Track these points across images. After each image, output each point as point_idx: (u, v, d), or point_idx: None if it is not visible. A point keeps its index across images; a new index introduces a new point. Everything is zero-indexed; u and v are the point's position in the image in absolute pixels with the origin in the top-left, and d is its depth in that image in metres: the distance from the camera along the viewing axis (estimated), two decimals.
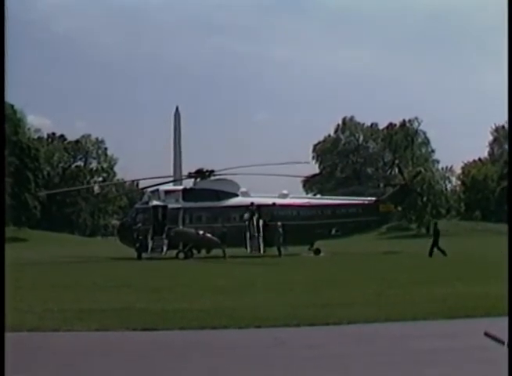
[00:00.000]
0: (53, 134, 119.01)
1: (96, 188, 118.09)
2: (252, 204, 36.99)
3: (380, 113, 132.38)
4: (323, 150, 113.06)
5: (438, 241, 31.44)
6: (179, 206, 36.81)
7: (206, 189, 37.54)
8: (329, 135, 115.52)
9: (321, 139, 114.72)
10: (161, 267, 27.90)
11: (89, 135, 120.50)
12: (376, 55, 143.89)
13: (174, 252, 35.24)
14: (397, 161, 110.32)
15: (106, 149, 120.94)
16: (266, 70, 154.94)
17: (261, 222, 36.38)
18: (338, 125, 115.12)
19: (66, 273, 23.60)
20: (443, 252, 30.46)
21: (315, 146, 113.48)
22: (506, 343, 4.22)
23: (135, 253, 35.23)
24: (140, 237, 35.49)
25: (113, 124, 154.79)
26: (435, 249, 30.86)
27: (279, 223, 35.40)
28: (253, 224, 36.43)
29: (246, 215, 36.66)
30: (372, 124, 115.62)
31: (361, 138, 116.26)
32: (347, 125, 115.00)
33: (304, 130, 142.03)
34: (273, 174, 38.75)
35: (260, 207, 36.96)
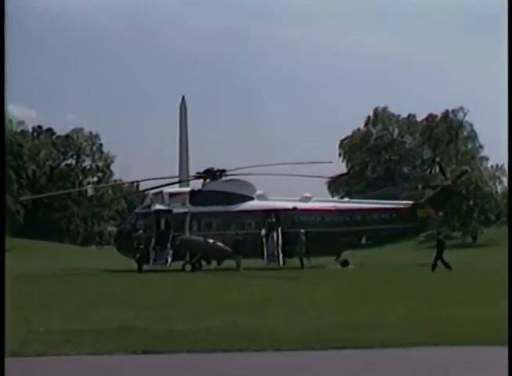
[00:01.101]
0: (39, 127, 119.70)
1: (90, 190, 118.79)
2: (270, 208, 37.04)
3: (419, 102, 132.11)
4: (351, 147, 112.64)
5: (443, 252, 31.67)
6: (186, 211, 36.99)
7: (216, 192, 37.68)
8: (359, 129, 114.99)
9: (349, 133, 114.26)
10: (165, 281, 28.03)
11: (81, 129, 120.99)
12: (412, 38, 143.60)
13: (180, 264, 35.41)
14: (438, 159, 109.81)
15: (101, 145, 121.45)
16: (284, 55, 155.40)
17: (280, 229, 36.43)
18: (369, 117, 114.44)
19: (55, 288, 23.78)
20: (447, 265, 30.70)
21: (341, 141, 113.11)
22: None
23: (134, 265, 35.43)
24: (141, 246, 35.69)
25: (110, 116, 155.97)
26: (439, 261, 31.16)
27: (301, 231, 35.43)
28: (271, 231, 36.49)
29: (264, 221, 36.72)
30: (409, 116, 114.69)
31: (395, 131, 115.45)
32: (380, 117, 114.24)
33: (328, 123, 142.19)
34: (294, 174, 38.81)
35: (279, 212, 37.03)
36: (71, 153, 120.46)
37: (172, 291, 21.82)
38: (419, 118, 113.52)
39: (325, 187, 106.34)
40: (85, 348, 10.44)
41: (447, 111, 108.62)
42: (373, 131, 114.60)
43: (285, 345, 10.49)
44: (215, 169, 38.93)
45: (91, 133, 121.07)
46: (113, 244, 42.39)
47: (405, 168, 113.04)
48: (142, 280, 28.43)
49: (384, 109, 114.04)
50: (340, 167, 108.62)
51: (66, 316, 14.39)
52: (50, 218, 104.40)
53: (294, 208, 37.19)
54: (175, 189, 39.63)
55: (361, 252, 38.94)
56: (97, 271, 35.63)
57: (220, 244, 35.69)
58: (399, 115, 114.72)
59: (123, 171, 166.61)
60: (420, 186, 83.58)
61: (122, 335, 11.61)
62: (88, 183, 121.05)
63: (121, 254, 38.61)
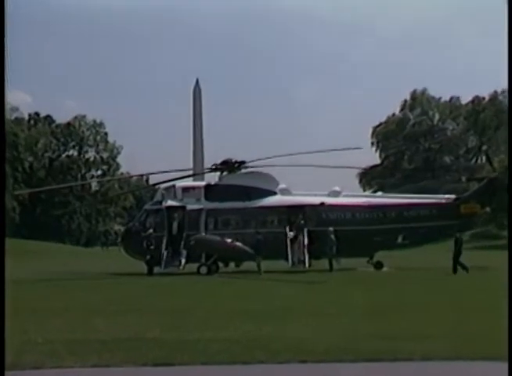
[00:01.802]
0: (36, 114, 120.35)
1: (94, 184, 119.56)
2: (294, 204, 37.08)
3: (463, 83, 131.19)
4: (386, 134, 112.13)
5: (460, 253, 31.89)
6: (201, 207, 37.14)
7: (235, 186, 37.75)
8: (394, 115, 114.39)
9: (382, 119, 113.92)
10: (178, 285, 28.18)
11: (84, 117, 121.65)
12: (454, 11, 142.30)
13: (194, 266, 35.58)
14: (484, 147, 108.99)
15: (106, 134, 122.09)
16: (310, 34, 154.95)
17: (305, 227, 36.45)
18: (406, 101, 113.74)
19: (56, 295, 24.02)
20: (465, 268, 31.07)
21: (374, 128, 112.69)
22: None
23: (144, 267, 35.66)
24: (151, 247, 35.90)
25: (115, 102, 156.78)
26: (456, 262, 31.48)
27: (330, 229, 35.42)
28: (295, 230, 36.53)
29: (288, 219, 36.78)
30: (451, 99, 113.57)
31: (436, 116, 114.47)
32: (418, 101, 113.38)
33: (360, 109, 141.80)
34: (321, 165, 38.74)
35: (304, 208, 37.04)
36: (73, 143, 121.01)
37: (186, 297, 21.97)
38: (463, 101, 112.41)
39: (356, 180, 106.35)
40: (90, 359, 10.57)
41: (495, 93, 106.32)
42: (411, 116, 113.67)
43: (312, 356, 10.56)
44: (233, 160, 39.00)
45: (94, 121, 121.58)
46: (120, 245, 42.57)
47: (446, 157, 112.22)
48: (152, 285, 28.62)
49: (423, 91, 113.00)
50: (372, 157, 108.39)
51: (68, 325, 14.57)
52: (49, 215, 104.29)
53: (322, 204, 37.18)
54: (189, 183, 39.73)
55: (397, 253, 38.81)
56: (102, 275, 35.90)
57: (239, 243, 35.80)
58: (440, 98, 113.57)
59: (130, 164, 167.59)
60: (463, 179, 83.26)
61: (131, 346, 11.75)
62: (92, 177, 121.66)
63: (129, 255, 38.85)
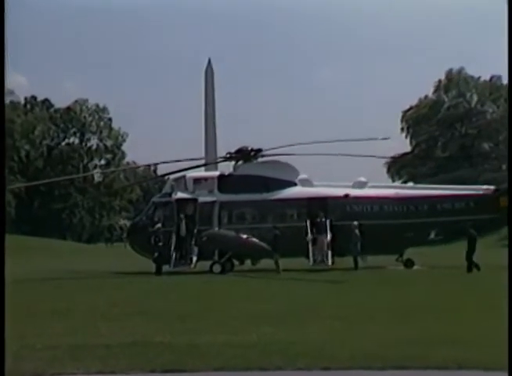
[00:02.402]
0: (33, 98, 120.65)
1: (97, 175, 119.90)
2: (316, 196, 37.10)
3: (504, 61, 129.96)
4: (417, 119, 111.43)
5: (474, 250, 32.18)
6: (214, 199, 37.26)
7: (251, 176, 37.81)
8: (426, 97, 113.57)
9: (413, 102, 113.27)
10: (189, 285, 28.34)
11: (86, 101, 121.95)
12: None
13: (206, 264, 35.74)
14: None
15: (110, 120, 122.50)
16: (332, 9, 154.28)
17: (328, 221, 36.46)
18: (440, 82, 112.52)
19: (57, 295, 24.25)
20: (476, 266, 31.51)
21: (404, 112, 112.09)
22: None
23: (152, 265, 35.83)
24: (159, 243, 36.04)
25: (120, 85, 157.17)
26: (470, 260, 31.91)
27: (355, 223, 35.40)
28: (317, 224, 36.54)
29: (309, 212, 36.82)
30: (491, 78, 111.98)
31: (474, 98, 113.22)
32: (454, 81, 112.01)
33: (387, 90, 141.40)
34: (345, 154, 38.72)
35: (327, 200, 37.03)
36: (73, 129, 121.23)
37: (198, 298, 22.09)
38: (505, 81, 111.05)
39: (384, 170, 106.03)
40: (93, 366, 10.70)
41: None
42: (445, 98, 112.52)
43: (335, 362, 10.63)
44: (249, 148, 39.05)
45: (97, 105, 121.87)
46: (126, 241, 42.86)
47: (485, 144, 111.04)
48: (161, 285, 28.79)
49: (460, 70, 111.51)
50: (402, 144, 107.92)
51: (70, 328, 14.73)
52: (48, 209, 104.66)
53: (346, 196, 37.14)
54: (201, 173, 39.84)
55: (429, 250, 38.68)
56: (107, 273, 36.14)
57: (255, 239, 35.92)
58: (479, 77, 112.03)
59: (137, 152, 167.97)
60: (504, 167, 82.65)
61: (137, 351, 11.88)
62: (95, 167, 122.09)
63: (136, 252, 39.06)
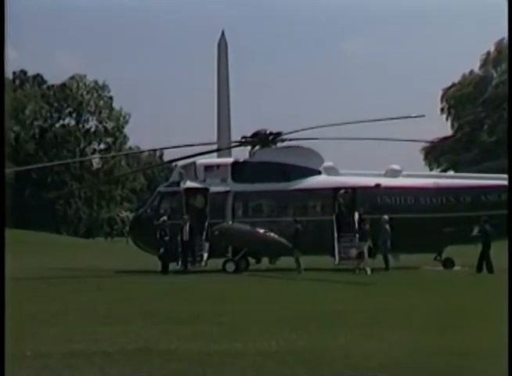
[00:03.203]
0: (23, 73, 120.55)
1: (96, 161, 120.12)
2: (342, 186, 37.14)
3: None
4: (460, 98, 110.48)
5: (489, 248, 32.69)
6: (227, 189, 37.34)
7: (269, 164, 37.81)
8: (471, 72, 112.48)
9: (456, 78, 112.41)
10: (199, 285, 28.44)
11: (83, 77, 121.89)
12: None
13: (219, 262, 35.89)
14: None
15: (110, 99, 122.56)
16: None
17: (356, 214, 36.43)
18: (488, 54, 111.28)
19: (52, 295, 24.37)
20: (489, 268, 32.05)
21: (445, 90, 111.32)
22: None
23: (157, 263, 35.97)
24: (166, 238, 36.07)
25: (122, 60, 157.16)
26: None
27: (385, 217, 35.32)
28: (343, 218, 36.52)
29: (334, 204, 36.84)
30: None
31: None
32: (504, 54, 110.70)
33: (426, 65, 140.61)
34: (376, 138, 38.65)
35: (355, 191, 37.05)
36: (69, 109, 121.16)
37: (209, 300, 22.17)
38: None
39: (420, 156, 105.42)
40: (92, 375, 10.78)
41: None
42: (494, 74, 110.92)
43: (363, 372, 10.68)
44: (267, 132, 39.01)
45: (96, 82, 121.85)
46: (129, 236, 42.94)
47: None
48: (167, 285, 28.85)
49: None
50: (442, 127, 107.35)
51: (65, 333, 14.84)
52: (41, 200, 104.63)
53: (377, 186, 37.07)
54: (213, 159, 39.92)
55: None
56: (107, 272, 36.25)
57: (273, 234, 36.02)
58: None
59: (141, 136, 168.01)
60: None
61: (141, 359, 11.97)
62: (94, 152, 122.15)
63: (139, 248, 39.18)
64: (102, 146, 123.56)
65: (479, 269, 32.53)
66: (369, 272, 33.20)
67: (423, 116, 39.02)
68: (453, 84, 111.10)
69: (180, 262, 36.04)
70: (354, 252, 34.63)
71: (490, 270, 32.20)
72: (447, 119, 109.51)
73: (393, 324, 15.82)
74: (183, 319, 16.85)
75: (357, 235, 35.55)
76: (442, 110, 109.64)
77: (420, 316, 17.17)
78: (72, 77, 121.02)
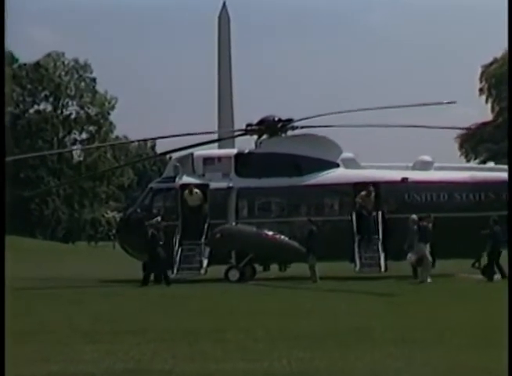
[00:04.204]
0: None
1: (77, 153, 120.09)
2: (364, 180, 37.14)
3: None
4: (501, 76, 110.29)
5: (499, 251, 33.11)
6: (230, 185, 37.35)
7: (278, 155, 37.78)
8: None
9: (497, 54, 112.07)
10: (198, 297, 28.49)
11: (61, 55, 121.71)
12: None
13: (220, 269, 35.91)
14: None
15: (94, 81, 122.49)
16: None
17: (380, 214, 36.38)
18: None
19: (27, 309, 24.39)
20: (501, 272, 32.65)
21: (485, 67, 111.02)
22: None
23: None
24: (159, 242, 36.06)
25: (107, 35, 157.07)
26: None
27: (414, 217, 35.17)
28: (365, 218, 36.48)
29: (355, 202, 36.83)
30: None
31: None
32: None
33: (459, 39, 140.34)
34: (403, 125, 38.53)
35: (378, 186, 37.01)
36: (45, 92, 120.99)
37: (210, 313, 22.23)
38: None
39: (455, 146, 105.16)
40: None
41: None
42: None
43: None
44: (276, 119, 38.96)
45: (76, 61, 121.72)
46: (116, 239, 42.92)
47: None
48: (161, 296, 28.93)
49: None
50: (480, 111, 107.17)
51: (43, 352, 14.87)
52: (12, 197, 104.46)
53: (404, 180, 37.03)
54: (213, 151, 39.99)
55: None
56: (91, 282, 36.34)
57: (284, 237, 36.06)
58: None
59: (129, 123, 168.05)
60: None
61: None
62: (74, 142, 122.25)
63: (128, 254, 39.20)
64: (84, 135, 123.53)
65: (487, 274, 32.87)
66: (429, 280, 32.86)
67: (454, 102, 38.97)
68: (495, 60, 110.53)
69: (175, 270, 36.03)
70: (413, 258, 33.90)
71: (493, 276, 32.48)
72: (486, 101, 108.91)
73: (424, 342, 15.79)
74: (179, 336, 16.88)
75: (380, 237, 35.55)
76: (481, 90, 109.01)
77: (456, 333, 17.11)
78: (48, 55, 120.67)
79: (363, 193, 36.56)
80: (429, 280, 32.84)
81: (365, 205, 36.73)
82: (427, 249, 33.50)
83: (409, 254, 33.99)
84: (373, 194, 36.68)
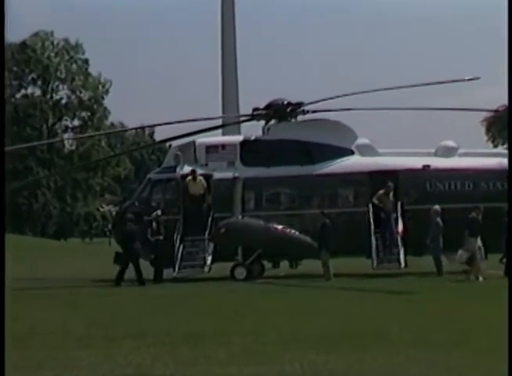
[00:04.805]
0: None
1: (69, 141, 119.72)
2: (382, 169, 37.19)
3: None
4: None
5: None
6: (235, 175, 37.42)
7: (288, 142, 37.80)
8: None
9: None
10: (202, 297, 28.58)
11: (51, 34, 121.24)
12: None
13: (225, 267, 36.09)
14: None
15: (86, 62, 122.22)
16: None
17: (399, 205, 36.35)
18: None
19: (16, 311, 24.42)
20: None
21: None
22: None
23: (149, 270, 36.10)
24: (159, 238, 36.20)
25: (101, 12, 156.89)
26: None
27: (437, 208, 35.15)
28: (383, 209, 36.45)
29: (372, 192, 36.80)
30: None
31: None
32: None
33: (486, 9, 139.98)
34: (423, 107, 38.43)
35: (397, 174, 37.01)
36: (32, 75, 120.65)
37: (214, 314, 22.31)
38: None
39: (481, 130, 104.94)
40: None
41: None
42: None
43: None
44: (285, 102, 38.98)
45: (66, 41, 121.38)
46: (112, 235, 42.82)
47: None
48: (162, 297, 29.02)
49: None
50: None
51: (33, 359, 14.96)
52: None
53: (425, 168, 36.97)
54: (217, 138, 40.00)
55: None
56: (86, 282, 36.39)
57: (295, 232, 36.19)
58: None
59: (125, 109, 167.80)
60: None
61: None
62: (66, 130, 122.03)
63: None
64: (76, 122, 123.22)
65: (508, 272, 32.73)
66: (481, 279, 32.65)
67: (477, 79, 38.86)
68: None
69: (177, 268, 36.08)
70: (464, 256, 33.31)
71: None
72: None
73: (447, 345, 15.83)
74: (181, 339, 16.96)
75: (399, 231, 35.52)
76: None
77: (481, 335, 17.15)
78: (36, 34, 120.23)
79: (381, 192, 36.22)
80: (481, 278, 32.62)
81: (383, 207, 36.39)
82: (478, 244, 33.43)
83: (460, 252, 33.42)
84: (392, 193, 36.46)
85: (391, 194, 36.44)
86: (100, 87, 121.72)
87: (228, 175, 37.52)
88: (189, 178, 37.36)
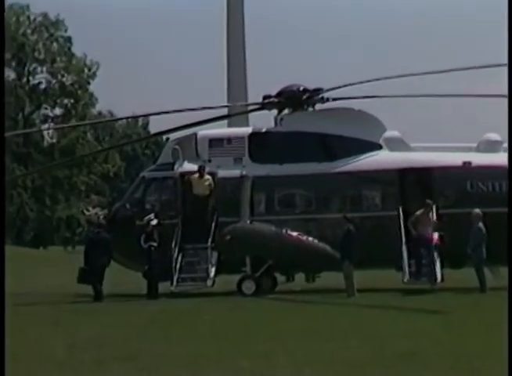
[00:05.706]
0: None
1: (49, 133, 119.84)
2: (414, 166, 37.19)
3: None
4: None
5: None
6: (243, 173, 37.48)
7: (304, 135, 37.87)
8: None
9: None
10: (204, 314, 28.52)
11: (26, 8, 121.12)
12: None
13: (232, 280, 36.15)
14: None
15: (69, 41, 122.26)
16: None
17: (434, 208, 36.30)
18: None
19: None
20: None
21: None
22: None
23: (142, 283, 36.18)
24: (153, 245, 36.23)
25: None
26: None
27: (478, 211, 35.06)
28: (417, 214, 36.35)
29: (402, 193, 36.93)
30: None
31: None
32: None
33: None
34: (460, 94, 38.38)
35: (432, 173, 37.04)
36: (6, 56, 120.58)
37: (217, 335, 22.37)
38: None
39: None
40: None
41: None
42: None
43: None
44: (300, 89, 38.99)
45: (45, 16, 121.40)
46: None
47: None
48: (157, 314, 29.12)
49: None
50: None
51: None
52: None
53: (466, 165, 36.93)
54: (221, 130, 40.09)
55: None
56: (70, 297, 36.53)
57: (312, 239, 36.23)
58: None
59: (115, 96, 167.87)
60: None
61: None
62: (45, 120, 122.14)
63: (114, 261, 39.19)
64: (57, 110, 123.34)
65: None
66: None
67: (503, 65, 38.87)
68: None
69: (175, 282, 36.12)
70: None
71: None
72: None
73: (489, 372, 15.86)
74: (181, 363, 17.03)
75: (435, 235, 35.40)
76: None
77: None
78: (10, 7, 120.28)
79: (418, 213, 35.59)
80: None
81: (423, 233, 35.55)
82: None
83: None
84: (432, 213, 35.90)
85: (431, 214, 35.99)
86: (86, 70, 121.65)
87: (235, 173, 37.55)
88: (196, 175, 37.32)
